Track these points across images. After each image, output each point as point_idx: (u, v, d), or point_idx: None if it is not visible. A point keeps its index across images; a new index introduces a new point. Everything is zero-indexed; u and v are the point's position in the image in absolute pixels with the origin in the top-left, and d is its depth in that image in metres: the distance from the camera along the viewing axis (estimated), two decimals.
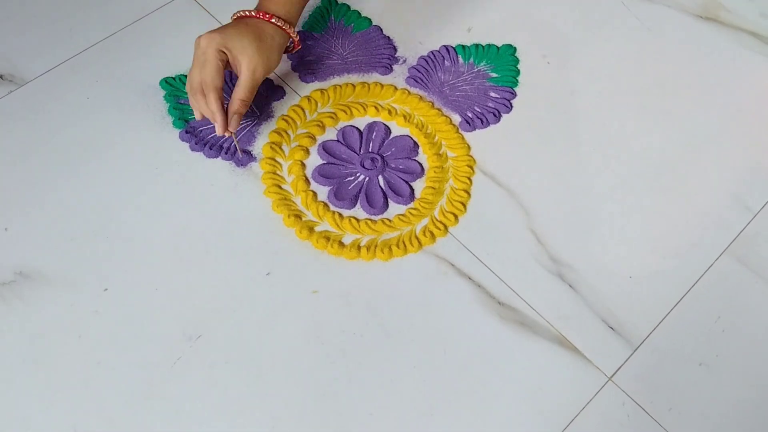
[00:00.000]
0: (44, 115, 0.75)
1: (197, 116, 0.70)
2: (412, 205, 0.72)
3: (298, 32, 0.83)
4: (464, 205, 0.72)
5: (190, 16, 0.84)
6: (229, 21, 0.71)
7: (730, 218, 0.73)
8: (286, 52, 0.75)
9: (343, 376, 0.63)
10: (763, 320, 0.68)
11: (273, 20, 0.69)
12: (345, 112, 0.78)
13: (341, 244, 0.69)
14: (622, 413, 0.63)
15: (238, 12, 0.70)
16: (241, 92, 0.68)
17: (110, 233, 0.69)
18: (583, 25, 0.86)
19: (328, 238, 0.69)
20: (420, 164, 0.75)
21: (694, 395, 0.64)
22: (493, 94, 0.80)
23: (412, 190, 0.73)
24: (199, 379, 0.62)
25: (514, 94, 0.80)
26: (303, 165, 0.74)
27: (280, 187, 0.72)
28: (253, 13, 0.69)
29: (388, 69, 0.81)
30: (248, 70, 0.67)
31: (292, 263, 0.68)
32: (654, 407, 0.63)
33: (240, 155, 0.72)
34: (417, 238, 0.70)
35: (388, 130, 0.77)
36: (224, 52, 0.67)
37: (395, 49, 0.83)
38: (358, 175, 0.74)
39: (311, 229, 0.70)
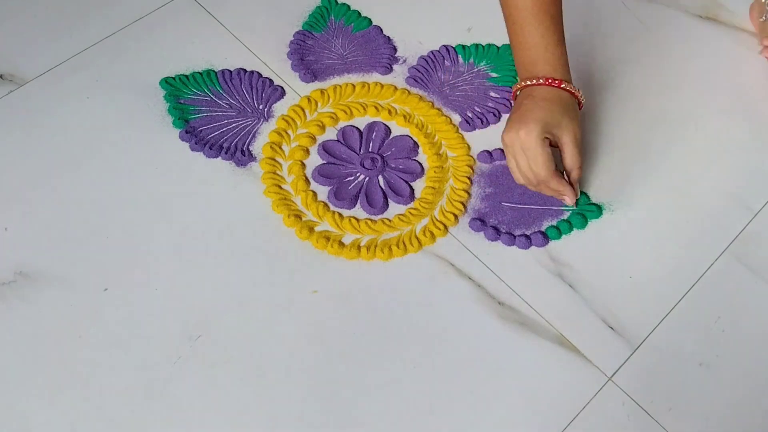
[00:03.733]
0: (44, 115, 0.75)
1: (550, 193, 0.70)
2: (412, 205, 0.72)
3: (297, 32, 0.83)
4: (464, 205, 0.72)
5: (190, 16, 0.84)
6: (515, 91, 0.70)
7: (730, 218, 0.73)
8: None
9: (343, 376, 0.63)
10: (763, 320, 0.68)
11: (563, 86, 0.67)
12: (345, 112, 0.78)
13: (341, 244, 0.69)
14: (622, 413, 0.63)
15: (525, 82, 0.68)
16: (576, 161, 0.68)
17: (110, 233, 0.69)
18: (582, 24, 0.86)
19: (328, 238, 0.69)
20: (420, 164, 0.75)
21: (694, 395, 0.64)
22: (493, 94, 0.80)
23: (412, 190, 0.73)
24: (199, 379, 0.62)
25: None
26: (303, 165, 0.74)
27: (280, 187, 0.72)
28: (541, 81, 0.67)
29: (388, 69, 0.81)
30: (572, 141, 0.67)
31: (292, 263, 0.68)
32: (654, 407, 0.63)
33: (573, 206, 0.71)
34: (417, 238, 0.70)
35: (388, 130, 0.77)
36: (547, 138, 0.66)
37: (395, 49, 0.83)
38: (358, 175, 0.74)
39: (311, 229, 0.70)
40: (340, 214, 0.71)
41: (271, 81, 0.79)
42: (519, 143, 0.65)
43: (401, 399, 0.62)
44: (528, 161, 0.66)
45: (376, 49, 0.83)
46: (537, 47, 0.67)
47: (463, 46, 0.83)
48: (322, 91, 0.79)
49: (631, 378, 0.64)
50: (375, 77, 0.81)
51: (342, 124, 0.77)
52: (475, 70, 0.81)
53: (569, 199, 0.69)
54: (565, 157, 0.68)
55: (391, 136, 0.77)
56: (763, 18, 0.84)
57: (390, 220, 0.71)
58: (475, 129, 0.77)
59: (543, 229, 0.71)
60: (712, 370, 0.65)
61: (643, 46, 0.85)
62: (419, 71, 0.81)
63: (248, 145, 0.75)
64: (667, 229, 0.72)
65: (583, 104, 0.70)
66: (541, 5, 0.66)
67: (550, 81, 0.67)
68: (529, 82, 0.68)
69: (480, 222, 0.71)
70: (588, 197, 0.73)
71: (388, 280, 0.68)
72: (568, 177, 0.69)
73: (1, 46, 0.80)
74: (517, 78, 0.70)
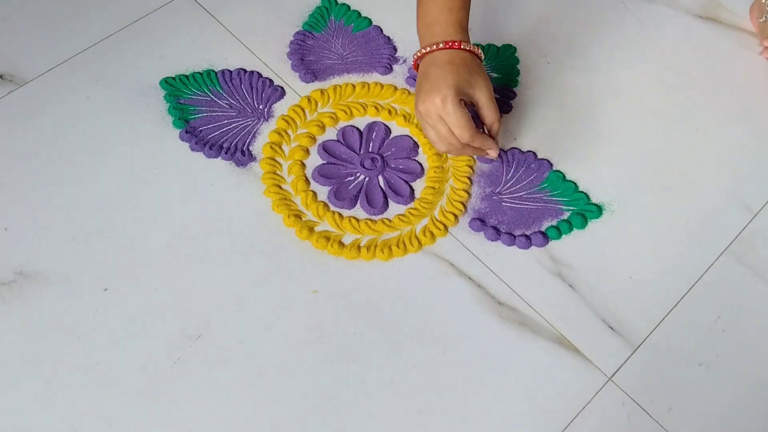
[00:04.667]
0: (44, 115, 0.75)
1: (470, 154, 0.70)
2: (412, 205, 0.72)
3: (297, 32, 0.83)
4: (464, 205, 0.72)
5: (190, 16, 0.84)
6: (416, 59, 0.69)
7: (730, 218, 0.73)
8: None
9: (343, 376, 0.63)
10: (763, 320, 0.68)
11: (463, 46, 0.67)
12: (345, 112, 0.78)
13: (341, 244, 0.69)
14: (622, 413, 0.63)
15: (425, 48, 0.68)
16: (494, 114, 0.68)
17: (110, 233, 0.69)
18: (583, 25, 0.86)
19: (328, 238, 0.69)
20: (420, 164, 0.75)
21: (694, 395, 0.64)
22: None
23: (412, 190, 0.73)
24: (199, 379, 0.62)
25: (515, 94, 0.80)
26: (303, 165, 0.74)
27: (280, 187, 0.72)
28: (441, 45, 0.67)
29: (388, 69, 0.81)
30: (486, 96, 0.67)
31: (292, 263, 0.68)
32: (654, 407, 0.63)
33: (497, 160, 0.73)
34: (417, 238, 0.70)
35: (388, 130, 0.77)
36: (462, 99, 0.66)
37: (395, 49, 0.83)
38: (358, 175, 0.74)
39: (311, 229, 0.70)
40: (340, 214, 0.71)
41: (271, 81, 0.79)
42: (436, 111, 0.65)
43: (401, 399, 0.62)
44: (449, 127, 0.66)
45: (376, 49, 0.83)
46: (440, 10, 0.67)
47: None
48: (322, 91, 0.79)
49: (631, 378, 0.64)
50: (375, 77, 0.81)
51: (342, 124, 0.77)
52: None
53: (494, 152, 0.69)
54: (483, 114, 0.68)
55: (391, 136, 0.77)
56: (763, 18, 0.84)
57: (390, 220, 0.71)
58: None
59: (543, 229, 0.71)
60: (712, 370, 0.65)
61: (643, 46, 0.85)
62: None
63: (248, 145, 0.75)
64: (667, 229, 0.72)
65: (483, 57, 0.70)
66: None
67: (450, 44, 0.67)
68: (429, 49, 0.67)
69: (480, 222, 0.71)
70: (588, 197, 0.73)
71: (388, 280, 0.68)
72: (489, 132, 0.70)
73: (1, 46, 0.80)
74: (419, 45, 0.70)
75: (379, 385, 0.63)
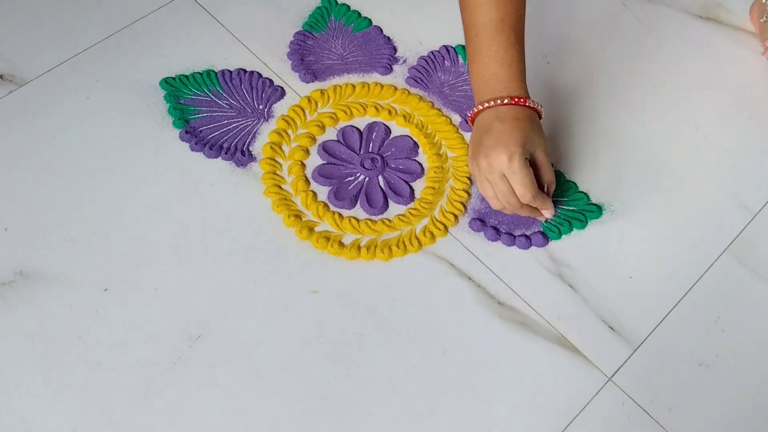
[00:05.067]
0: (44, 115, 0.75)
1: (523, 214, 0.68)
2: (412, 205, 0.72)
3: (297, 33, 0.83)
4: (464, 205, 0.72)
5: (190, 16, 0.84)
6: (475, 113, 0.67)
7: (730, 218, 0.73)
8: None
9: (343, 376, 0.63)
10: (763, 320, 0.68)
11: (528, 103, 0.65)
12: (345, 112, 0.78)
13: (341, 244, 0.69)
14: (622, 413, 0.63)
15: (488, 103, 0.65)
16: (552, 175, 0.66)
17: (110, 233, 0.69)
18: (583, 25, 0.86)
19: (328, 238, 0.70)
20: (420, 164, 0.75)
21: (694, 395, 0.64)
22: None
23: (412, 190, 0.73)
24: (199, 379, 0.62)
25: None
26: (303, 165, 0.74)
27: (280, 187, 0.72)
28: (506, 101, 0.64)
29: (388, 69, 0.81)
30: (546, 157, 0.65)
31: (292, 263, 0.68)
32: (654, 407, 0.63)
33: (549, 220, 0.70)
34: (417, 238, 0.70)
35: (388, 130, 0.77)
36: (527, 158, 0.64)
37: (395, 49, 0.83)
38: (358, 175, 0.74)
39: (311, 229, 0.70)
40: (340, 215, 0.71)
41: (271, 81, 0.79)
42: (500, 168, 0.63)
43: (401, 399, 0.62)
44: (511, 185, 0.64)
45: (376, 49, 0.83)
46: (499, 64, 0.65)
47: (463, 46, 0.83)
48: (322, 92, 0.79)
49: (631, 378, 0.64)
50: (375, 77, 0.81)
51: (342, 124, 0.77)
52: None
53: (549, 213, 0.67)
54: (542, 173, 0.66)
55: (391, 137, 0.77)
56: (764, 18, 0.84)
57: (390, 221, 0.71)
58: None
59: (543, 229, 0.71)
60: (712, 370, 0.65)
61: (643, 46, 0.85)
62: (419, 71, 0.81)
63: (248, 145, 0.75)
64: (667, 229, 0.72)
65: (542, 114, 0.68)
66: (504, 21, 0.65)
67: (516, 100, 0.65)
68: (492, 103, 0.65)
69: (480, 222, 0.71)
70: (588, 197, 0.73)
71: (388, 280, 0.68)
72: (546, 192, 0.68)
73: (1, 46, 0.80)
74: (474, 98, 0.68)
75: (379, 385, 0.63)
